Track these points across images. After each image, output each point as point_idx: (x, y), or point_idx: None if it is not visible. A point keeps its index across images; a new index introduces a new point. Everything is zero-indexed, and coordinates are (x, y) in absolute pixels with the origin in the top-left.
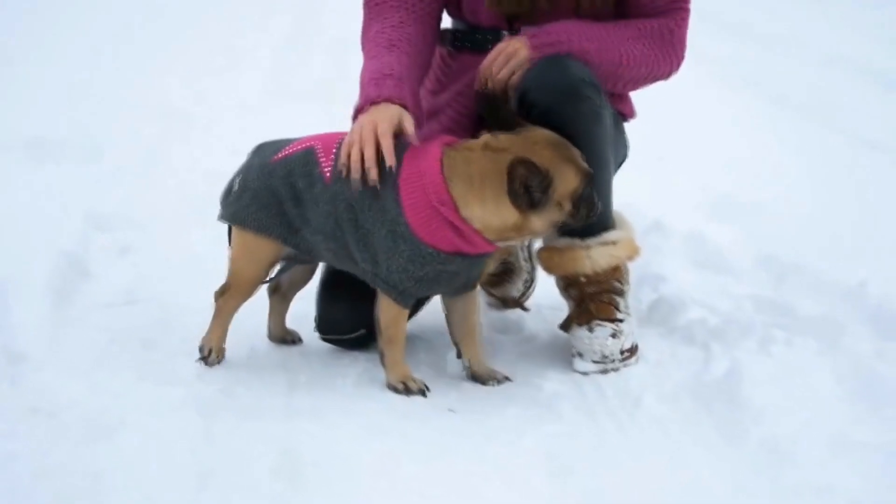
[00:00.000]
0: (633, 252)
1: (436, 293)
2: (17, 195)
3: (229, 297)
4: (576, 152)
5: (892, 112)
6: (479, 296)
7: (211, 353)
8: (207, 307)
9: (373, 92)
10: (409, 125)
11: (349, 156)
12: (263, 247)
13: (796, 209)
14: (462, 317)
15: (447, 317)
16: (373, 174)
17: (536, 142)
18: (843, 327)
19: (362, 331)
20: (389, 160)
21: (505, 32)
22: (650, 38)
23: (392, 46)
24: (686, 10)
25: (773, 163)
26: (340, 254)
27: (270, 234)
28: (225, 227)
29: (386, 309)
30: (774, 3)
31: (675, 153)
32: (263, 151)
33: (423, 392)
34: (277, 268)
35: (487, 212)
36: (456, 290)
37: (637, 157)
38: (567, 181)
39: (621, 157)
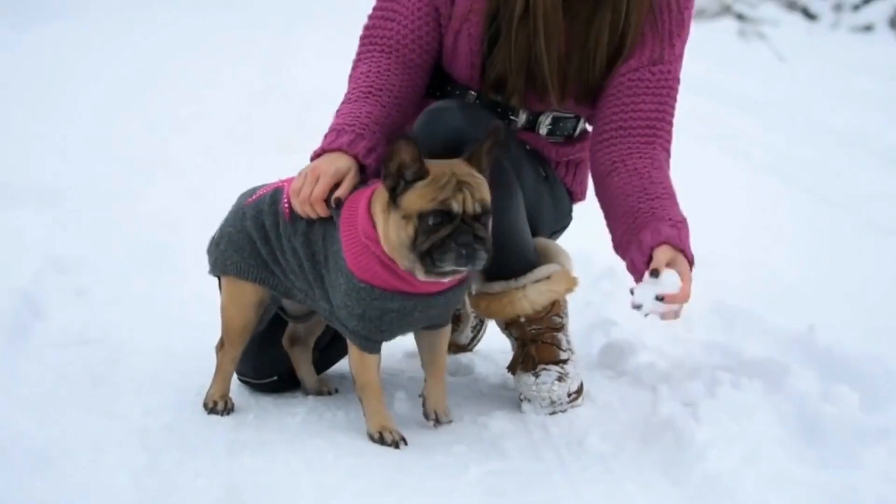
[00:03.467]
0: (571, 284)
1: (392, 335)
2: None
3: (226, 349)
4: (466, 194)
5: (852, 170)
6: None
7: (216, 404)
8: (158, 348)
9: (331, 142)
10: (347, 180)
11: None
12: (245, 291)
13: (750, 261)
14: (429, 350)
15: (418, 349)
16: (312, 213)
17: (445, 162)
18: (789, 370)
19: (273, 377)
20: (321, 211)
21: (472, 93)
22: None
23: (370, 94)
24: (675, 90)
25: (733, 218)
26: (309, 293)
27: (248, 277)
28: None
29: (351, 354)
30: (740, 65)
31: None
32: (241, 198)
33: (397, 444)
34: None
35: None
36: (413, 330)
37: (592, 205)
38: (423, 196)
39: (561, 225)
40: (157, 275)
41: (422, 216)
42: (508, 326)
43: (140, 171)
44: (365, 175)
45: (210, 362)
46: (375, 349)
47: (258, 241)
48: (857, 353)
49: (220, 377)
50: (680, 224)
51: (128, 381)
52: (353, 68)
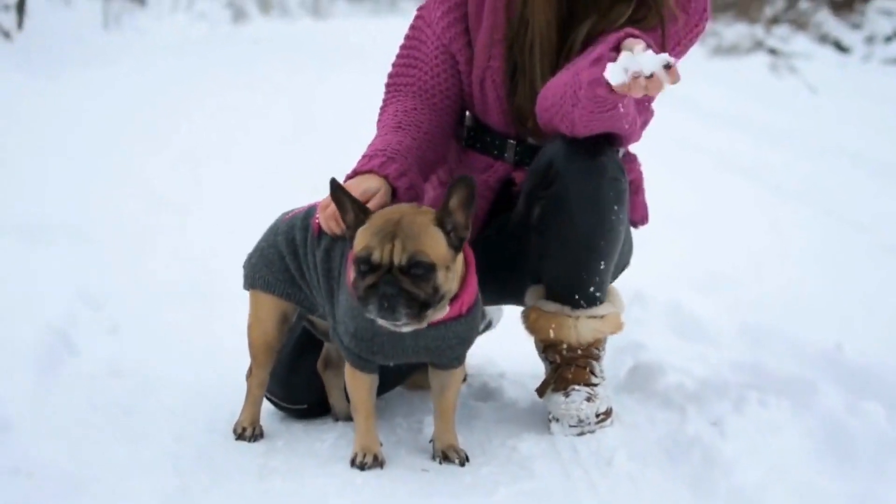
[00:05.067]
0: (617, 328)
1: (386, 358)
2: (10, 274)
3: (253, 373)
4: (396, 245)
5: (878, 196)
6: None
7: (245, 431)
8: (189, 380)
9: (362, 164)
10: (375, 199)
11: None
12: (270, 306)
13: (778, 282)
14: (439, 391)
15: (431, 389)
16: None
17: (406, 211)
18: (816, 386)
19: (303, 405)
20: (336, 229)
21: (511, 141)
22: None
23: (398, 128)
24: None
25: (758, 241)
26: (326, 308)
27: (274, 291)
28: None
29: (346, 371)
30: (771, 98)
31: (662, 230)
32: (280, 216)
33: (363, 466)
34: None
35: None
36: (410, 360)
37: None
38: (359, 242)
39: (624, 263)
40: (188, 310)
41: (356, 262)
42: (546, 350)
43: (170, 209)
44: (395, 199)
45: (240, 392)
46: (367, 369)
47: (287, 255)
48: (883, 369)
49: (250, 403)
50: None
51: (159, 410)
52: (381, 112)
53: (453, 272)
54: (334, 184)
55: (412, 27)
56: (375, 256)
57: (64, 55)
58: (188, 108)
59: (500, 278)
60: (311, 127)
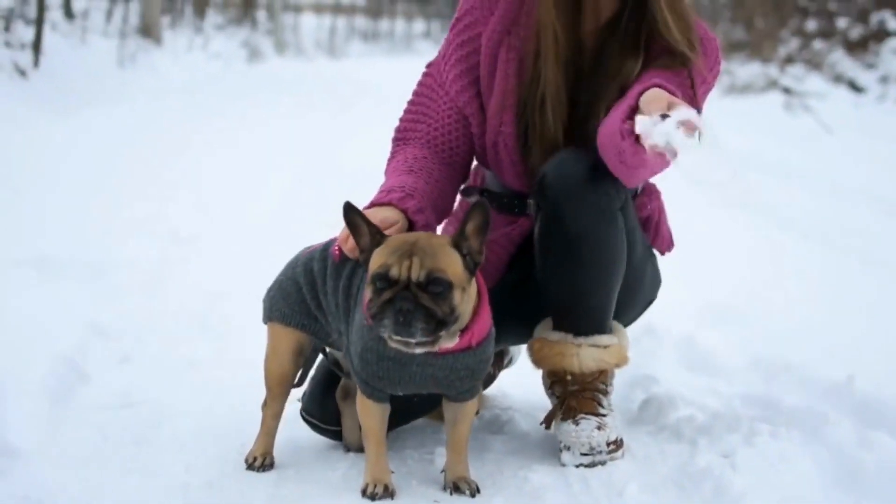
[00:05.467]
0: (622, 360)
1: (394, 387)
2: (23, 306)
3: (268, 405)
4: (414, 261)
5: (891, 233)
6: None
7: (256, 460)
8: (200, 410)
9: (381, 196)
10: (394, 229)
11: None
12: (287, 339)
13: (789, 316)
14: (452, 422)
15: (444, 421)
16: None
17: (421, 235)
18: (827, 418)
19: (339, 428)
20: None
21: (531, 201)
22: None
23: (410, 171)
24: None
25: (770, 277)
26: (344, 331)
27: (290, 323)
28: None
29: (357, 399)
30: (784, 136)
31: (674, 264)
32: (301, 251)
33: (374, 497)
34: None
35: None
36: (418, 390)
37: None
38: (375, 261)
39: (652, 296)
40: (199, 343)
41: (372, 279)
42: (553, 385)
43: (182, 244)
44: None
45: (250, 423)
46: (376, 396)
47: (304, 286)
48: (894, 400)
49: (263, 433)
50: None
51: (170, 440)
52: (389, 162)
53: (468, 296)
54: (348, 206)
55: (421, 84)
56: (394, 272)
57: (79, 93)
58: (202, 145)
59: (521, 319)
60: (326, 164)
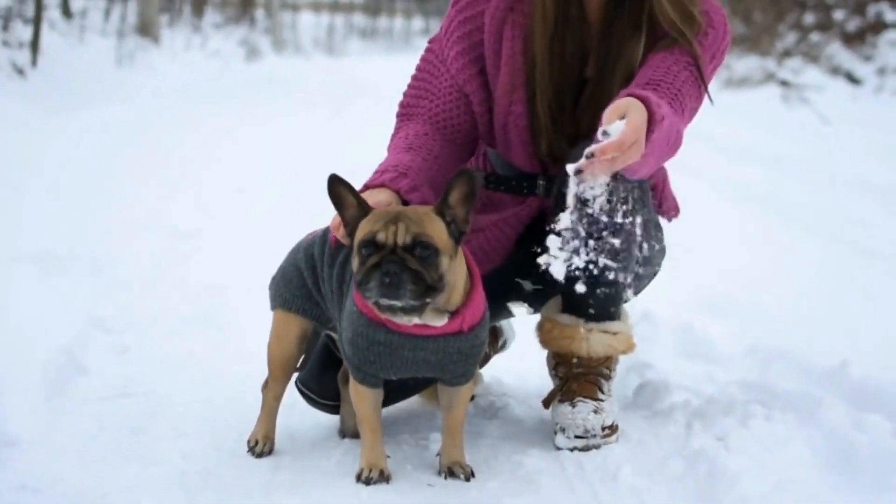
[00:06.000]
0: (629, 347)
1: (386, 371)
2: (23, 301)
3: (269, 386)
4: (400, 226)
5: (886, 222)
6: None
7: (257, 444)
8: (197, 400)
9: (374, 178)
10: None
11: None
12: (290, 324)
13: (786, 305)
14: (447, 407)
15: (440, 406)
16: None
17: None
18: (822, 401)
19: (337, 402)
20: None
21: (541, 182)
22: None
23: (409, 148)
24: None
25: (767, 266)
26: (336, 316)
27: (292, 309)
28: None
29: (350, 385)
30: (782, 128)
31: (672, 253)
32: (304, 236)
33: (368, 481)
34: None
35: None
36: (411, 374)
37: None
38: (361, 230)
39: (656, 268)
40: (196, 335)
41: (358, 248)
42: (557, 366)
43: (181, 240)
44: None
45: (246, 413)
46: (368, 382)
47: (305, 271)
48: (888, 385)
49: (264, 415)
50: (648, 86)
51: (167, 430)
52: (392, 137)
53: (455, 264)
54: (333, 178)
55: (423, 59)
56: (380, 237)
57: (77, 92)
58: (200, 143)
59: (526, 297)
60: (324, 161)
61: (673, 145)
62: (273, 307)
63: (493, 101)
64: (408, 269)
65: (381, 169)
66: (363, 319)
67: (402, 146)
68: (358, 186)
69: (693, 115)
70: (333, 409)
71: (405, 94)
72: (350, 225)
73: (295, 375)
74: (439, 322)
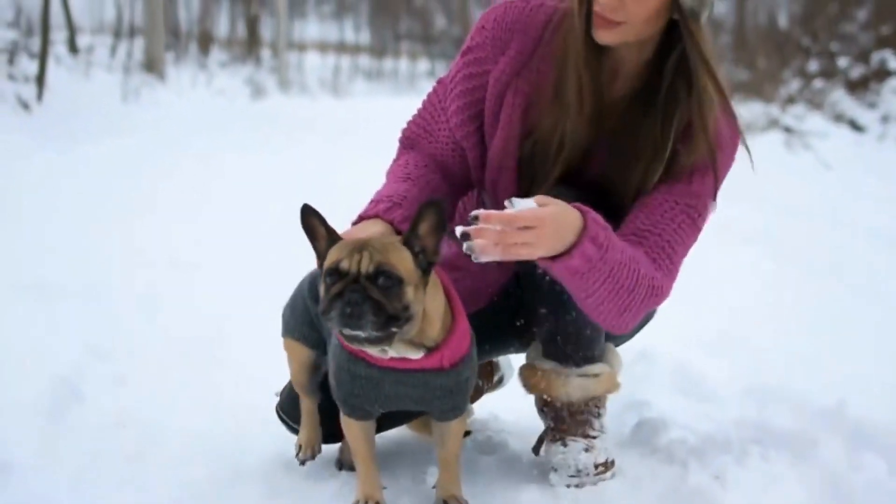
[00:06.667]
0: (612, 388)
1: (371, 405)
2: (20, 329)
3: (302, 401)
4: (364, 255)
5: (887, 266)
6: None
7: (301, 450)
8: (194, 429)
9: (368, 209)
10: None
11: None
12: (297, 351)
13: (784, 345)
14: (440, 443)
15: (434, 436)
16: None
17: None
18: (818, 440)
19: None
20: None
21: None
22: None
23: (407, 178)
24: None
25: (766, 307)
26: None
27: (294, 336)
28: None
29: (341, 417)
30: (785, 173)
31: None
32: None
33: None
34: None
35: None
36: (397, 407)
37: None
38: (328, 259)
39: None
40: (194, 364)
41: (324, 276)
42: (543, 408)
43: (183, 272)
44: None
45: (243, 442)
46: (356, 415)
47: (309, 300)
48: (885, 425)
49: (302, 426)
50: (634, 236)
51: (164, 458)
52: (392, 164)
53: (422, 295)
54: (305, 208)
55: (430, 97)
56: (343, 265)
57: (82, 127)
58: (202, 177)
59: (516, 336)
60: (325, 197)
61: (630, 291)
62: (281, 333)
63: (487, 155)
64: (369, 298)
65: (376, 199)
66: (344, 353)
67: (401, 175)
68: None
69: (685, 255)
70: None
71: (409, 123)
72: (322, 255)
73: (276, 401)
74: (415, 355)
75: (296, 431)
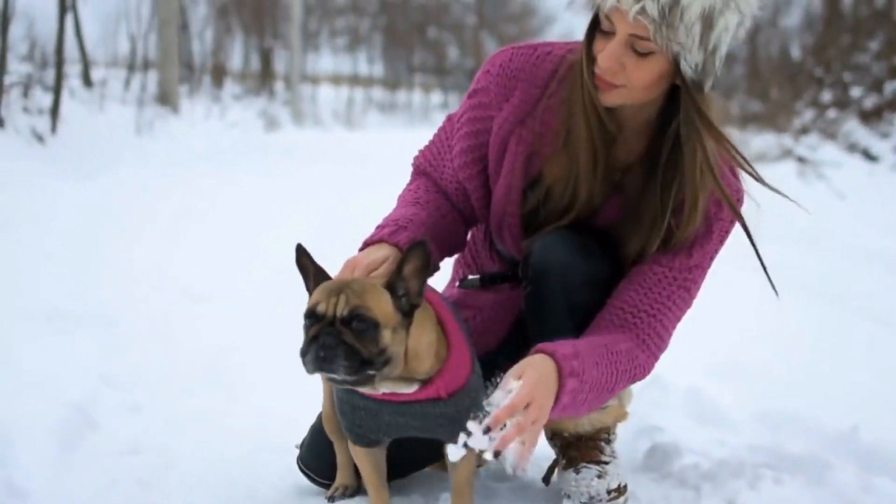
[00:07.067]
0: (620, 418)
1: (375, 433)
2: (34, 357)
3: (334, 442)
4: (341, 298)
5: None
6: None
7: (336, 490)
8: (208, 457)
9: (374, 235)
10: (382, 267)
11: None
12: (326, 382)
13: (796, 372)
14: (453, 467)
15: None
16: None
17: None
18: (831, 465)
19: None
20: None
21: None
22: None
23: (416, 202)
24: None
25: (779, 334)
26: None
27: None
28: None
29: (349, 444)
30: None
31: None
32: None
33: None
34: None
35: None
36: (401, 435)
37: None
38: (311, 299)
39: None
40: (209, 394)
41: (304, 318)
42: (553, 437)
43: (196, 302)
44: None
45: (257, 468)
46: (362, 442)
47: None
48: None
49: (339, 463)
50: (616, 319)
51: (177, 484)
52: (405, 188)
53: (402, 336)
54: (299, 249)
55: (441, 129)
56: (320, 308)
57: (96, 159)
58: (214, 206)
59: None
60: (337, 229)
61: (611, 389)
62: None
63: (491, 198)
64: (343, 342)
65: (382, 224)
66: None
67: (410, 199)
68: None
69: (678, 324)
70: (327, 487)
71: (421, 153)
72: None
73: (297, 453)
74: (407, 389)
75: (319, 484)
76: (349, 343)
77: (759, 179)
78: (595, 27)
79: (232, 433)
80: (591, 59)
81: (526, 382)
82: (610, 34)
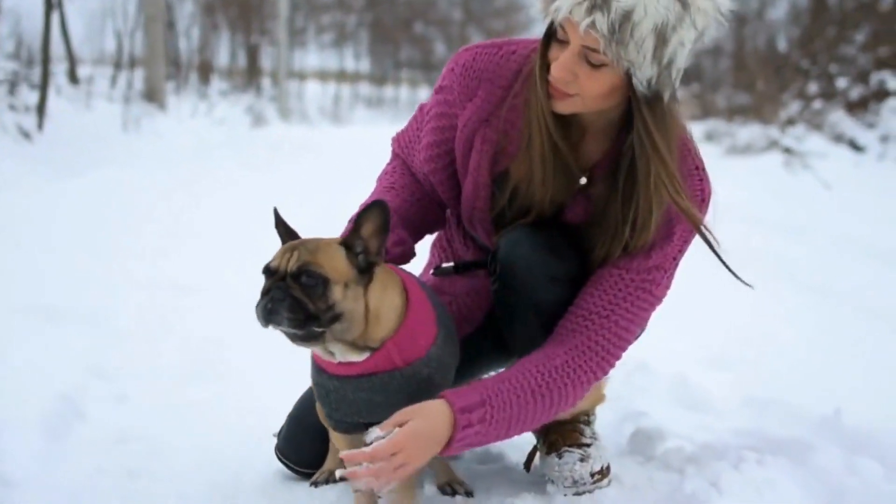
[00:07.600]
0: (598, 400)
1: (349, 416)
2: (22, 349)
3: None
4: (292, 255)
5: (885, 281)
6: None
7: (322, 475)
8: (195, 446)
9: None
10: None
11: None
12: None
13: (782, 360)
14: (434, 462)
15: None
16: None
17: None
18: (814, 446)
19: (312, 470)
20: None
21: None
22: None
23: (391, 188)
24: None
25: (765, 323)
26: None
27: None
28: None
29: (329, 431)
30: (784, 193)
31: (670, 308)
32: None
33: None
34: None
35: None
36: (374, 417)
37: None
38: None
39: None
40: (197, 386)
41: (262, 274)
42: None
43: (185, 296)
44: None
45: (243, 458)
46: (340, 428)
47: None
48: (881, 431)
49: (329, 451)
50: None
51: (164, 472)
52: (383, 170)
53: (355, 294)
54: (277, 215)
55: (412, 120)
56: (273, 264)
57: (83, 156)
58: (201, 201)
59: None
60: (325, 223)
61: (549, 410)
62: None
63: (460, 190)
64: (290, 296)
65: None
66: (314, 367)
67: (386, 185)
68: None
69: (642, 326)
70: (307, 476)
71: (399, 134)
72: None
73: (275, 442)
74: (357, 357)
75: (298, 473)
76: (296, 297)
77: (697, 228)
78: (552, 35)
79: (219, 423)
80: (546, 67)
81: (401, 434)
82: (565, 43)
